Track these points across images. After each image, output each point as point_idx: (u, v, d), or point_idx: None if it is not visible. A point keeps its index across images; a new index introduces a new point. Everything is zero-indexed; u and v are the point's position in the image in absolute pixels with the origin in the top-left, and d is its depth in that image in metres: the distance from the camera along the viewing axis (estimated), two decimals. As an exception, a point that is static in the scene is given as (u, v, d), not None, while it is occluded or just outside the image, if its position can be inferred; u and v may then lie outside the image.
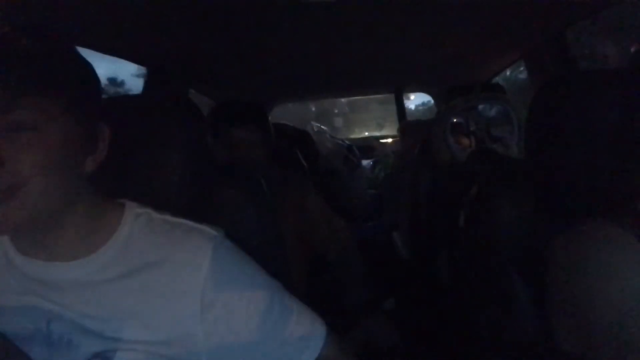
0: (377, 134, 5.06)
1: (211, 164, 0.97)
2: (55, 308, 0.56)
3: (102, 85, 0.63)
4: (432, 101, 3.10)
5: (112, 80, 7.09)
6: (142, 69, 1.56)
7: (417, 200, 1.75)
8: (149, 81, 1.51)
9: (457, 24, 1.37)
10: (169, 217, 0.62)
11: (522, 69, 2.11)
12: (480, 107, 1.40)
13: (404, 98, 3.02)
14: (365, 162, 3.57)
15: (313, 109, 6.77)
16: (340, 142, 3.44)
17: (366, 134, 5.61)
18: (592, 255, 0.53)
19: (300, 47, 1.56)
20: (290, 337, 0.60)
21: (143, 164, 0.72)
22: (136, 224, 0.60)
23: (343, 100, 6.20)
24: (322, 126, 3.45)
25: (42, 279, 0.57)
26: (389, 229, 2.49)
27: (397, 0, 1.13)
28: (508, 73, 2.81)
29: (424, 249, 1.72)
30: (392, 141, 3.61)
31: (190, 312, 0.56)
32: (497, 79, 2.19)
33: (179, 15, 1.10)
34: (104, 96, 0.64)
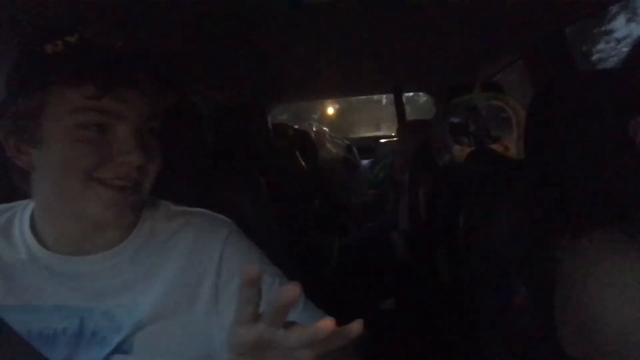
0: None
1: (211, 164, 0.97)
2: (87, 304, 0.57)
3: None
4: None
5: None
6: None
7: (417, 200, 1.75)
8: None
9: (457, 23, 1.36)
10: (186, 208, 0.68)
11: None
12: (480, 107, 1.39)
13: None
14: (365, 162, 3.57)
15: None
16: (340, 141, 3.44)
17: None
18: (598, 263, 0.52)
19: (300, 47, 1.56)
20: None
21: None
22: (157, 214, 0.65)
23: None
24: (322, 126, 3.45)
25: (72, 273, 0.58)
26: (389, 229, 2.49)
27: (396, 1, 1.13)
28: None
29: (423, 249, 1.72)
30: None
31: (207, 290, 0.60)
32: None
33: (179, 15, 1.09)
34: None
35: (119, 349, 0.56)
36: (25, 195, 0.62)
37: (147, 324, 0.57)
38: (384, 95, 5.22)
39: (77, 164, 0.53)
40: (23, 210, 0.63)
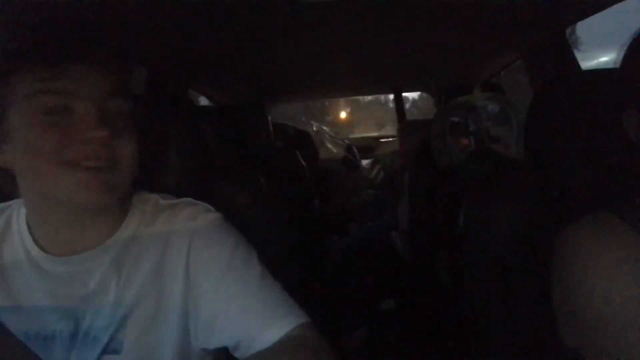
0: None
1: (211, 164, 0.97)
2: (80, 304, 0.57)
3: None
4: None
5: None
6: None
7: (417, 200, 1.75)
8: (149, 81, 1.51)
9: (457, 23, 1.37)
10: (172, 200, 0.66)
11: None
12: (480, 107, 1.39)
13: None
14: (365, 162, 3.57)
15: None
16: (340, 142, 3.45)
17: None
18: (592, 247, 0.52)
19: (300, 47, 1.56)
20: (258, 313, 0.59)
21: (143, 163, 0.72)
22: (145, 209, 0.64)
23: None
24: (322, 126, 3.45)
25: (63, 274, 0.58)
26: (389, 229, 2.49)
27: (397, 0, 1.13)
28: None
29: (423, 249, 1.72)
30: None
31: (179, 283, 0.59)
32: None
33: (179, 16, 1.10)
34: None
35: (109, 349, 0.56)
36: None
37: (133, 320, 0.57)
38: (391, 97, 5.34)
39: (44, 150, 0.52)
40: (19, 209, 0.63)
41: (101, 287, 0.58)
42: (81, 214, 0.58)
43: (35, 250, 0.59)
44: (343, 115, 6.95)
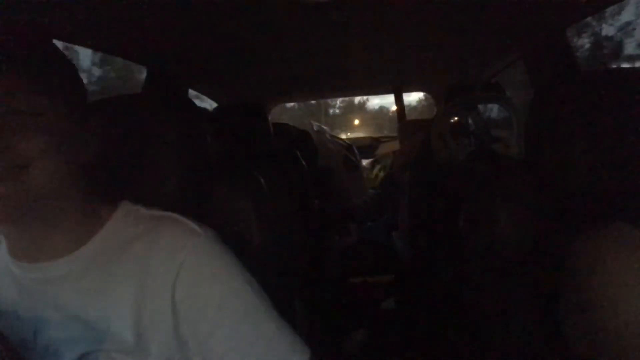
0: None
1: (211, 163, 0.97)
2: (42, 316, 0.55)
3: None
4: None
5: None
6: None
7: (417, 200, 1.75)
8: (149, 81, 1.51)
9: (457, 24, 1.36)
10: (156, 212, 0.63)
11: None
12: (480, 107, 1.40)
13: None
14: (365, 162, 3.57)
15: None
16: (340, 141, 3.45)
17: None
18: (608, 257, 0.52)
19: (300, 47, 1.56)
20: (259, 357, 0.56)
21: (142, 163, 0.72)
22: (124, 220, 0.61)
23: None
24: (322, 126, 3.45)
25: (28, 281, 0.56)
26: (389, 229, 2.50)
27: (396, 0, 1.13)
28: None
29: (424, 249, 1.72)
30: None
31: (165, 309, 0.56)
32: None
33: (179, 15, 1.10)
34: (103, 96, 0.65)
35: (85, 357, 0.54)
36: None
37: (111, 348, 0.54)
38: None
39: None
40: None
41: (69, 299, 0.55)
42: (36, 225, 0.55)
43: (8, 258, 0.58)
44: (356, 122, 7.98)
